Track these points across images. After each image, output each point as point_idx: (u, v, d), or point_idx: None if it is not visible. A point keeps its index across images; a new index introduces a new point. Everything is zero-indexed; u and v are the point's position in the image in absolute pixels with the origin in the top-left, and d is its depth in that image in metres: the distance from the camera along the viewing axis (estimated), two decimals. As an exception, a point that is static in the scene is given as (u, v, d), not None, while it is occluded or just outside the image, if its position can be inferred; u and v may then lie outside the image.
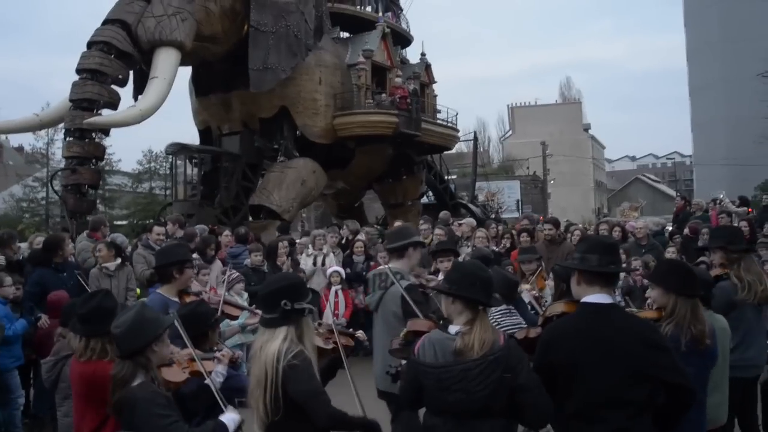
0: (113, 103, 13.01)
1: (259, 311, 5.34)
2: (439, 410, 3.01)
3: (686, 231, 10.69)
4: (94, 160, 13.31)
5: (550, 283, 6.13)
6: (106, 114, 12.97)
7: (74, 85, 12.73)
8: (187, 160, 16.51)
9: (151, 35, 13.09)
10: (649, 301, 4.26)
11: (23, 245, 8.69)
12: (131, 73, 13.75)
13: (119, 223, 30.32)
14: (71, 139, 12.89)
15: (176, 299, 4.41)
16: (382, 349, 4.27)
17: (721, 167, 43.68)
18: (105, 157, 32.28)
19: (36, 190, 32.72)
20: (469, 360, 2.90)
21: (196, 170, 16.37)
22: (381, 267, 4.60)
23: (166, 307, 4.20)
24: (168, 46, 13.27)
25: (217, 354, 3.73)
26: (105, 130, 13.56)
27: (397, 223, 10.35)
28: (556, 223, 9.48)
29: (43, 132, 31.18)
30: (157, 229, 8.57)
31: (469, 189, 27.07)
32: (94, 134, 13.02)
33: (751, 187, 32.50)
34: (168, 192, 23.34)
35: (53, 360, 4.31)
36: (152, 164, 36.16)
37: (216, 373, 3.56)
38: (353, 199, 21.66)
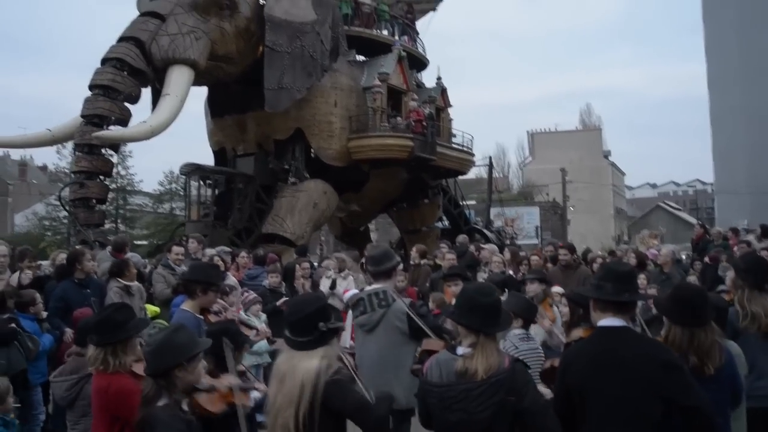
0: (124, 119, 13.00)
1: (266, 331, 5.45)
2: (443, 429, 3.06)
3: (707, 259, 10.59)
4: (102, 176, 13.27)
5: (561, 309, 6.05)
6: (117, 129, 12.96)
7: (86, 100, 12.77)
8: (201, 181, 16.59)
9: (165, 53, 13.15)
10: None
11: (45, 263, 8.81)
12: (147, 91, 13.82)
13: (139, 243, 30.55)
14: (80, 153, 12.93)
15: (201, 317, 4.52)
16: (379, 368, 4.35)
17: (743, 195, 43.16)
18: (126, 177, 33.14)
19: (58, 208, 33.05)
20: (470, 381, 2.93)
21: (209, 191, 16.44)
22: (374, 286, 4.76)
23: (199, 326, 4.30)
24: (181, 64, 13.30)
25: (257, 385, 3.85)
26: (114, 146, 13.66)
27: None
28: (571, 249, 9.46)
29: (66, 151, 31.62)
30: (175, 249, 8.52)
31: (485, 214, 27.00)
32: (103, 150, 13.06)
33: (774, 215, 32.02)
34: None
35: (75, 378, 4.23)
36: (173, 185, 36.38)
37: (251, 400, 3.64)
38: (361, 223, 21.56)
